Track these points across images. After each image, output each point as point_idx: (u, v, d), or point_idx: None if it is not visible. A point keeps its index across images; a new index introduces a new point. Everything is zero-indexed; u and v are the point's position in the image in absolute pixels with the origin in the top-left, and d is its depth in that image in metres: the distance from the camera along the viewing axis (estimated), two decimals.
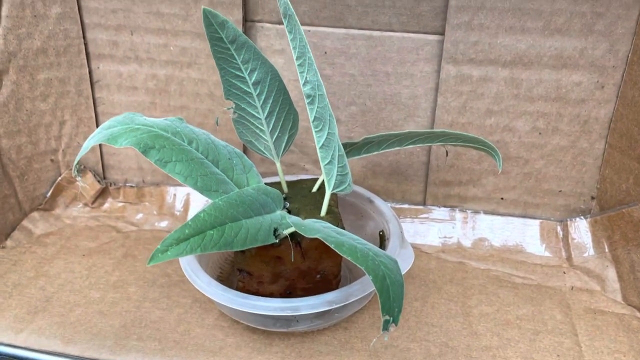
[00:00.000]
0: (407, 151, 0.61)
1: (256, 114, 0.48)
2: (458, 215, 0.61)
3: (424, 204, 0.62)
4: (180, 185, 0.66)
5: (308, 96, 0.44)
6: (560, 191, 0.59)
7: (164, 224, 0.65)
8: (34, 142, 0.61)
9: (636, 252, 0.53)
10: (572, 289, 0.56)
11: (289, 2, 0.41)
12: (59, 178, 0.64)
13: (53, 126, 0.62)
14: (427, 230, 0.62)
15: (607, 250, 0.56)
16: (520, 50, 0.54)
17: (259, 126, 0.49)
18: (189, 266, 0.49)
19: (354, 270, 0.56)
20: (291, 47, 0.43)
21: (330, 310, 0.46)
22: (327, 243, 0.39)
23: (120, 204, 0.67)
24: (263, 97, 0.47)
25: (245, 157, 0.48)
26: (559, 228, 0.60)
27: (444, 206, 0.62)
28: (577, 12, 0.51)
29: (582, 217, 0.58)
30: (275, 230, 0.44)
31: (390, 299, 0.37)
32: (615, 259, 0.55)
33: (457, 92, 0.56)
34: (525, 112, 0.56)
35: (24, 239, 0.61)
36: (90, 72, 0.61)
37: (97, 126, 0.64)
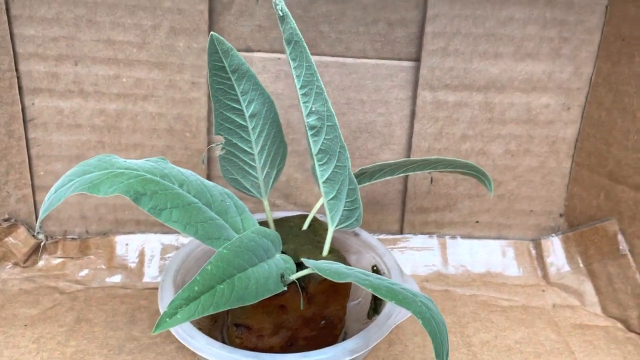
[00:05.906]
0: (382, 180, 0.59)
1: (248, 149, 0.44)
2: (436, 242, 0.60)
3: (400, 232, 0.61)
4: (132, 232, 0.58)
5: (312, 127, 0.40)
6: (531, 211, 0.60)
7: (116, 278, 0.57)
8: None
9: (613, 265, 0.55)
10: (554, 306, 0.56)
11: (295, 28, 0.37)
12: None
13: None
14: (407, 260, 0.60)
15: (581, 265, 0.58)
16: (493, 74, 0.54)
17: (250, 162, 0.45)
18: (180, 327, 0.42)
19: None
20: (294, 76, 0.39)
21: None
22: (362, 287, 0.36)
23: (59, 260, 0.57)
24: (257, 130, 0.43)
25: (236, 197, 0.43)
26: (531, 247, 0.61)
27: (421, 233, 0.61)
28: (546, 37, 0.53)
29: (553, 234, 0.60)
30: (282, 276, 0.40)
31: (441, 342, 0.34)
32: (591, 273, 0.57)
33: (433, 118, 0.56)
34: (498, 135, 0.57)
35: None
36: (23, 110, 0.53)
37: (31, 171, 0.55)
